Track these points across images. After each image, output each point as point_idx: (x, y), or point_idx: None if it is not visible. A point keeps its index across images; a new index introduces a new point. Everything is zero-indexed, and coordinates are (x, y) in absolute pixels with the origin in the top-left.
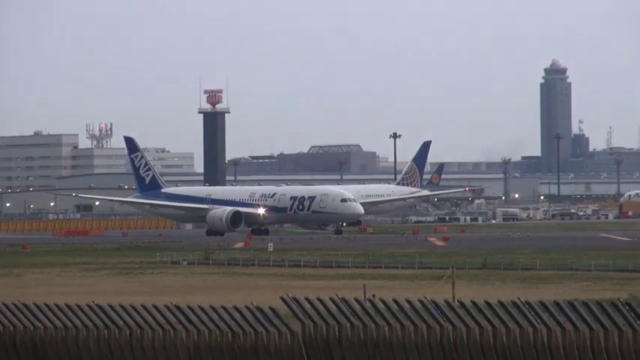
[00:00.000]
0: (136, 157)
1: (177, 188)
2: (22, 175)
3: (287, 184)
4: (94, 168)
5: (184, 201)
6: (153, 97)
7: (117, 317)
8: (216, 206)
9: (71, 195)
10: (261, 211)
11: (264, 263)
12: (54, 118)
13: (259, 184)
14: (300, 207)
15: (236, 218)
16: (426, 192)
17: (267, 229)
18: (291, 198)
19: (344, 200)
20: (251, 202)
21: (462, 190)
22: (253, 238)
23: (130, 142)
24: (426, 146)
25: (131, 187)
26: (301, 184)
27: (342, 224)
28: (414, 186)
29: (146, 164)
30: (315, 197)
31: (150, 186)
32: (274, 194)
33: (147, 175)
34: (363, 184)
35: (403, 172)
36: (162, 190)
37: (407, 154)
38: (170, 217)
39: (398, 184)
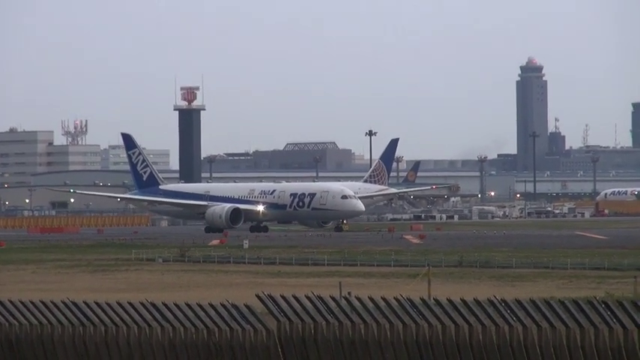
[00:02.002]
0: (133, 153)
1: (176, 185)
2: None
3: (262, 181)
4: (69, 165)
5: (182, 198)
6: (128, 94)
7: (92, 314)
8: (215, 203)
9: (69, 191)
10: (261, 208)
11: (239, 260)
12: (29, 114)
13: (234, 182)
14: (300, 204)
15: (236, 215)
16: (393, 190)
17: (266, 226)
18: (291, 195)
19: (344, 197)
20: (250, 198)
21: (430, 187)
22: (229, 235)
23: (128, 139)
24: (393, 144)
25: (106, 184)
26: (276, 182)
27: (342, 221)
28: (382, 184)
29: (144, 161)
30: (315, 194)
31: (148, 183)
32: (274, 191)
33: (144, 172)
34: (339, 181)
35: (371, 169)
36: (160, 187)
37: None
38: (168, 215)
39: (365, 181)
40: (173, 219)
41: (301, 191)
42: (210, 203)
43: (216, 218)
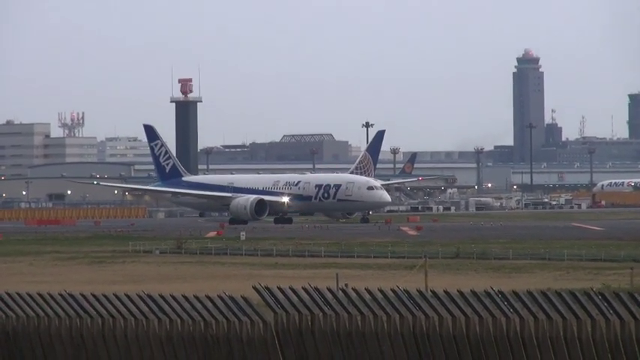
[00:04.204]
0: (155, 145)
1: (199, 177)
2: None
3: (259, 173)
4: (65, 157)
5: (206, 189)
6: (125, 86)
7: (89, 306)
8: (239, 194)
9: (92, 183)
10: (286, 199)
11: (236, 252)
12: (26, 107)
13: (231, 173)
14: (326, 195)
15: (260, 207)
16: (379, 181)
17: (290, 217)
18: (316, 186)
19: (370, 188)
20: (275, 190)
21: (416, 179)
22: (226, 227)
23: (150, 130)
24: (379, 136)
25: (103, 176)
26: (273, 173)
27: (368, 212)
28: (369, 175)
29: (166, 152)
30: (340, 185)
31: (170, 174)
32: (299, 182)
33: (167, 164)
34: (336, 173)
35: (357, 161)
36: (184, 179)
37: None
38: (192, 207)
39: (352, 173)
40: (170, 210)
41: (326, 182)
42: (235, 195)
43: (240, 210)
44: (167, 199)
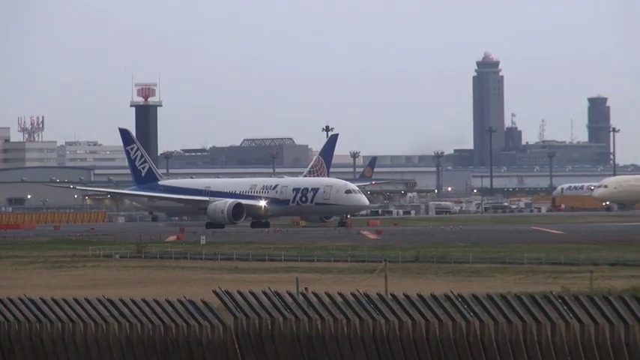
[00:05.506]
0: (131, 149)
1: (175, 180)
2: None
3: (219, 177)
4: (25, 161)
5: (183, 193)
6: (85, 91)
7: (49, 311)
8: (216, 198)
9: (69, 187)
10: (263, 203)
11: (196, 256)
12: None
13: (191, 177)
14: (303, 199)
15: (238, 210)
16: None
17: (267, 221)
18: (294, 190)
19: (348, 192)
20: (252, 194)
21: (370, 183)
22: (186, 231)
23: (126, 134)
24: (333, 139)
25: (63, 181)
26: (232, 177)
27: (346, 216)
28: None
29: (142, 156)
30: (318, 189)
31: (146, 178)
32: (276, 186)
33: (143, 168)
34: (296, 177)
35: (310, 165)
36: (160, 183)
37: (339, 148)
38: (168, 211)
39: (305, 177)
40: (130, 215)
41: (304, 186)
42: (212, 199)
43: (217, 214)
44: (143, 203)
